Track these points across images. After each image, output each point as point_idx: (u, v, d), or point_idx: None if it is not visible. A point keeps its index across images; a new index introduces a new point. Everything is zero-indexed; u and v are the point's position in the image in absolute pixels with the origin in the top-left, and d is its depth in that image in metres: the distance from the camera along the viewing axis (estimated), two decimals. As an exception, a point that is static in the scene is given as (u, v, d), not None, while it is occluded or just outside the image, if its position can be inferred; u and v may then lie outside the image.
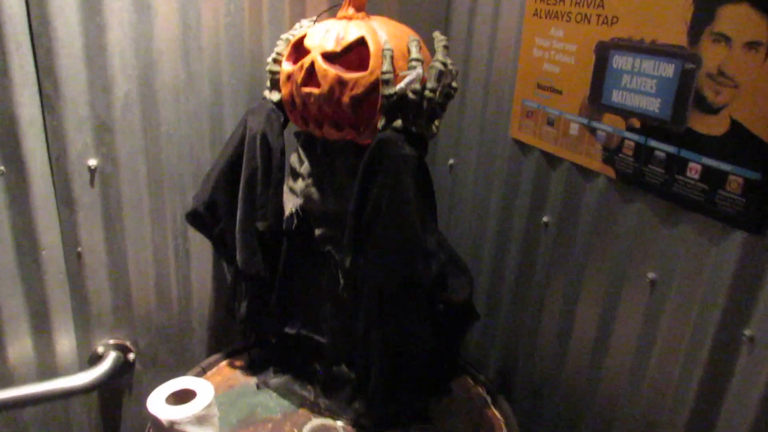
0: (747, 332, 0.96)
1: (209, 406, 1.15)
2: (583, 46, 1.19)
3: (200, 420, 1.13)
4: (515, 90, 1.40)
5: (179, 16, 1.35)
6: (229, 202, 1.33)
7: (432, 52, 1.20)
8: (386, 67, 1.13)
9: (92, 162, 1.39)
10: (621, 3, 1.10)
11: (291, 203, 1.32)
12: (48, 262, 1.42)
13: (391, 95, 1.13)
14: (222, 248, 1.40)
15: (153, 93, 1.38)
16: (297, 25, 1.33)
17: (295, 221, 1.31)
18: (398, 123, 1.14)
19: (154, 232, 1.49)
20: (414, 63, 1.15)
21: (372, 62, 1.15)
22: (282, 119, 1.31)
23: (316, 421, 1.32)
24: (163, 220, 1.49)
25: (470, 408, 1.41)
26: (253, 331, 1.47)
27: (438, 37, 1.21)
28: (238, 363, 1.51)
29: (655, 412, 1.14)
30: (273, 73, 1.31)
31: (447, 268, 1.18)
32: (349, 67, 1.17)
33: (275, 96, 1.32)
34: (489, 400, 1.43)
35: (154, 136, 1.41)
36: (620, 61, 1.12)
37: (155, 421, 1.13)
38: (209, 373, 1.48)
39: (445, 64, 1.16)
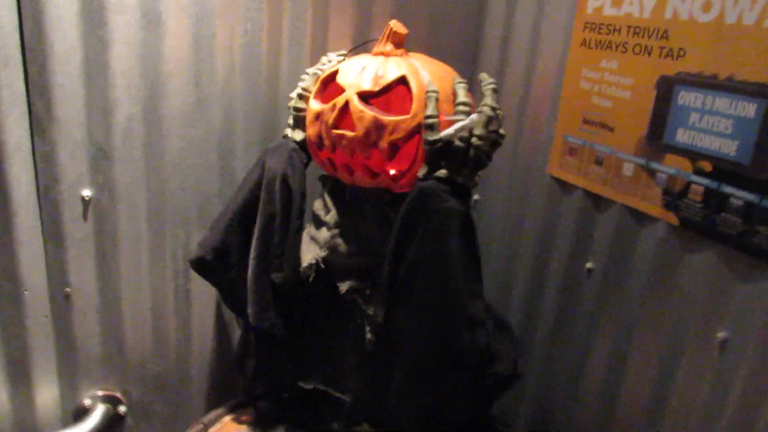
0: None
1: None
2: (642, 80, 1.09)
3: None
4: (556, 124, 1.29)
5: (191, 34, 1.23)
6: (242, 249, 1.19)
7: (475, 93, 1.10)
8: (431, 110, 1.04)
9: (86, 192, 1.24)
10: (690, 34, 1.01)
11: (311, 253, 1.19)
12: (31, 304, 1.26)
13: (435, 141, 1.03)
14: (231, 299, 1.26)
15: (158, 118, 1.25)
16: (324, 59, 1.22)
17: (313, 274, 1.18)
18: (442, 172, 1.04)
19: (152, 270, 1.34)
20: (462, 107, 1.06)
21: (415, 105, 1.05)
22: (305, 161, 1.19)
23: (339, 488, 1.18)
24: (163, 257, 1.34)
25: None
26: (264, 384, 1.32)
27: (486, 79, 1.11)
28: (244, 418, 1.36)
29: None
30: (298, 110, 1.19)
31: (494, 336, 1.06)
32: (387, 109, 1.07)
33: (298, 135, 1.20)
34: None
35: (158, 166, 1.27)
36: (687, 98, 1.02)
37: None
38: (212, 429, 1.33)
39: (494, 110, 1.06)
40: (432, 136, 1.03)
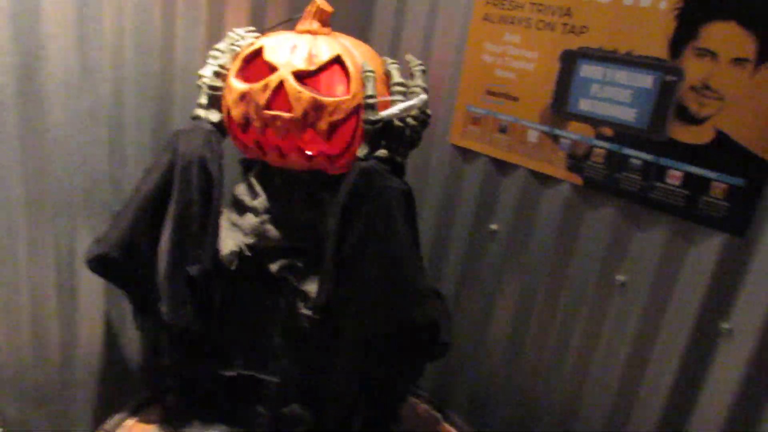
0: (725, 325, 1.04)
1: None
2: (546, 54, 1.20)
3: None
4: (458, 96, 1.36)
5: (74, -9, 1.06)
6: (153, 242, 1.09)
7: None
8: (370, 90, 1.04)
9: (-57, 177, 1.02)
10: (591, 13, 1.12)
11: (232, 240, 1.12)
12: None
13: (376, 122, 1.03)
14: (139, 298, 1.15)
15: (37, 88, 1.06)
16: (233, 35, 1.14)
17: (236, 262, 1.11)
18: (383, 152, 1.04)
19: (31, 266, 1.14)
20: (398, 88, 1.07)
21: (353, 85, 1.04)
22: (222, 144, 1.11)
23: (276, 474, 1.14)
24: (44, 250, 1.15)
25: (424, 428, 1.34)
26: (180, 377, 1.22)
27: (413, 60, 1.13)
28: (150, 418, 1.24)
29: (623, 413, 1.19)
30: (214, 88, 1.10)
31: (440, 307, 1.10)
32: (321, 89, 1.04)
33: (214, 116, 1.12)
34: (440, 416, 1.38)
35: (36, 144, 1.09)
36: (589, 70, 1.14)
37: None
38: (117, 436, 1.20)
39: (426, 90, 1.08)
40: (373, 116, 1.03)
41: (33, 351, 1.20)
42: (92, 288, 1.24)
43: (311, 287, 1.11)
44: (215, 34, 1.27)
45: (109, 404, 1.34)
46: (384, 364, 1.08)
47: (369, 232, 1.02)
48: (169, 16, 1.19)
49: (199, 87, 1.13)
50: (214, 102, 1.12)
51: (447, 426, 1.34)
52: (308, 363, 1.16)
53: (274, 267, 1.11)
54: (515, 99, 1.26)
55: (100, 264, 1.09)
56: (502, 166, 1.31)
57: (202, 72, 1.12)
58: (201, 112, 1.12)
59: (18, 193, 1.09)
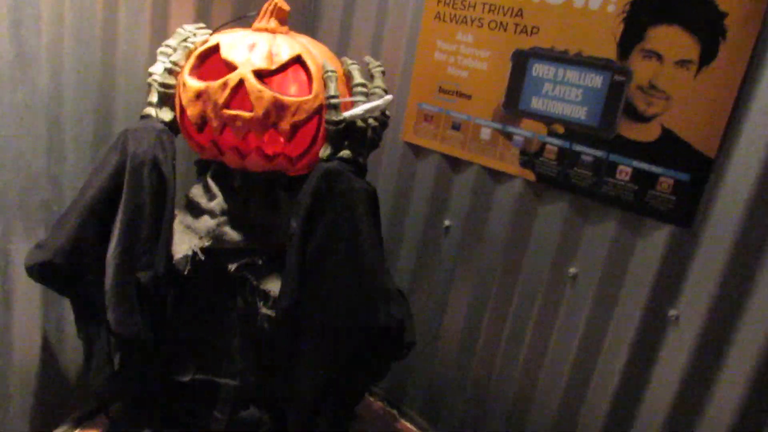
0: (672, 312, 1.10)
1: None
2: (498, 53, 1.22)
3: None
4: (410, 94, 1.36)
5: (8, -28, 0.98)
6: (100, 248, 1.03)
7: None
8: (332, 90, 1.03)
9: None
10: (542, 14, 1.16)
11: (185, 244, 1.08)
12: None
13: (339, 122, 1.02)
14: (83, 306, 1.08)
15: (-34, 77, 0.98)
16: (184, 32, 1.10)
17: (189, 266, 1.07)
18: (346, 153, 1.03)
19: (-40, 271, 1.06)
20: (360, 88, 1.07)
21: (315, 85, 1.03)
22: (174, 143, 1.07)
23: (236, 480, 1.11)
24: (-26, 254, 1.07)
25: (382, 426, 1.33)
26: (129, 386, 1.15)
27: (373, 62, 1.13)
28: (95, 430, 1.17)
29: (575, 401, 1.24)
30: (166, 86, 1.06)
31: (404, 307, 1.10)
32: (281, 89, 1.02)
33: (167, 115, 1.07)
34: (396, 413, 1.38)
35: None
36: (541, 70, 1.18)
37: None
38: (61, 451, 1.12)
39: (386, 92, 1.08)
40: (337, 117, 1.02)
41: (-38, 363, 1.11)
42: (28, 293, 1.16)
43: (271, 285, 1.09)
44: (160, 26, 1.22)
45: (47, 417, 1.25)
46: (348, 366, 1.07)
47: (333, 233, 1.00)
48: (111, 5, 1.13)
49: (149, 84, 1.08)
50: (166, 100, 1.07)
51: (404, 422, 1.34)
52: (267, 364, 1.13)
53: (231, 266, 1.08)
54: (468, 97, 1.28)
55: (42, 271, 1.02)
56: (455, 163, 1.33)
57: (152, 69, 1.07)
58: (152, 111, 1.07)
59: (-55, 190, 1.01)
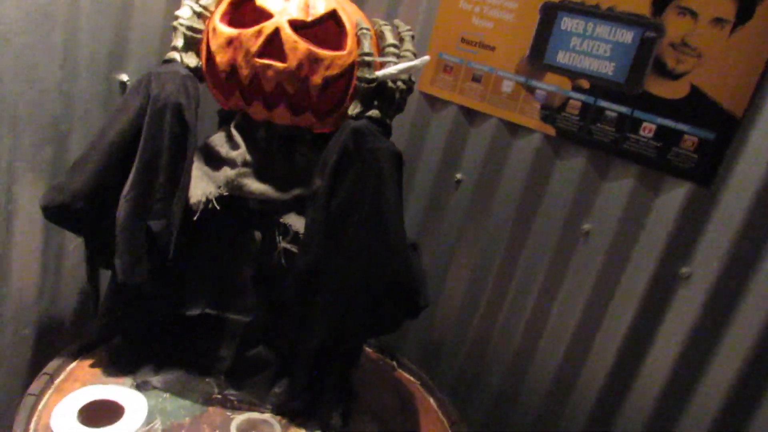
0: (684, 270, 1.12)
1: (151, 416, 0.84)
2: (526, 5, 1.21)
3: (144, 439, 0.82)
4: (429, 43, 1.34)
5: None
6: (118, 193, 0.99)
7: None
8: (366, 48, 1.01)
9: None
10: (577, -33, 1.16)
11: (201, 190, 1.05)
12: None
13: (372, 80, 1.00)
14: (97, 246, 1.05)
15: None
16: None
17: (200, 210, 1.04)
18: (375, 112, 1.01)
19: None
20: (392, 49, 1.04)
21: (350, 42, 1.01)
22: (198, 90, 1.03)
23: (241, 418, 1.08)
24: (-22, 167, 1.01)
25: (381, 375, 1.33)
26: (136, 320, 1.11)
27: (402, 25, 1.11)
28: (96, 362, 1.13)
29: (577, 361, 1.25)
30: (193, 30, 1.02)
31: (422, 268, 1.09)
32: (314, 43, 1.00)
33: (192, 60, 1.03)
34: (395, 364, 1.37)
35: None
36: (570, 24, 1.17)
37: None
38: (58, 380, 1.07)
39: (415, 56, 1.07)
40: (369, 75, 1.00)
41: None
42: (31, 217, 1.10)
43: (291, 219, 1.06)
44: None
45: (44, 347, 1.20)
46: (361, 320, 1.06)
47: (358, 192, 0.99)
48: None
49: (174, 28, 1.04)
50: (192, 45, 1.03)
51: (402, 372, 1.34)
52: (280, 303, 1.10)
53: (252, 204, 1.05)
54: (491, 48, 1.27)
55: (59, 213, 0.99)
56: (472, 116, 1.32)
57: (178, 13, 1.04)
58: (176, 55, 1.03)
59: (-45, 95, 0.94)
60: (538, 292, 1.29)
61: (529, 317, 1.31)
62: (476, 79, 1.30)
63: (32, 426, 0.96)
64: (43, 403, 1.02)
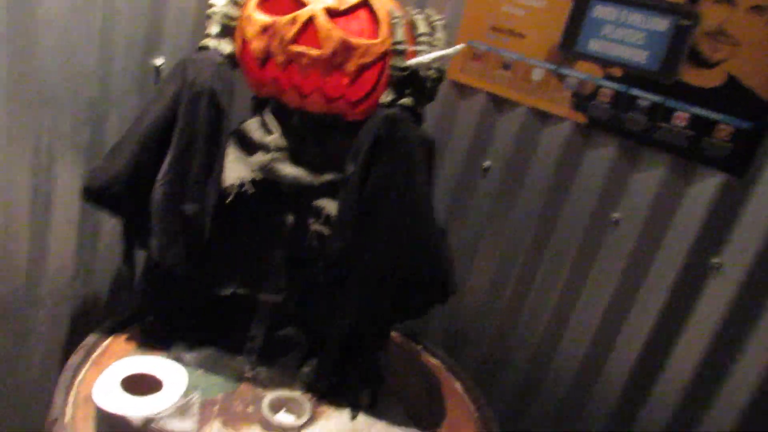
0: (715, 260, 1.11)
1: (189, 389, 0.86)
2: (560, -8, 1.21)
3: (182, 411, 0.84)
4: (459, 31, 1.34)
5: None
6: (155, 177, 1.02)
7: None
8: (399, 36, 1.02)
9: None
10: (611, -46, 1.15)
11: (235, 173, 1.07)
12: None
13: (405, 69, 1.01)
14: (134, 228, 1.08)
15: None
16: None
17: (234, 193, 1.06)
18: (407, 101, 1.02)
19: (5, 162, 1.02)
20: (425, 38, 1.05)
21: (383, 30, 1.02)
22: (232, 77, 1.05)
23: (272, 395, 1.10)
24: (21, 144, 1.03)
25: (406, 359, 1.34)
26: (170, 299, 1.14)
27: (434, 15, 1.11)
28: (130, 338, 1.16)
29: (602, 348, 1.26)
30: (229, 17, 1.04)
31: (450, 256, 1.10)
32: (347, 31, 1.01)
33: (227, 47, 1.05)
34: (420, 348, 1.38)
35: (26, 20, 0.96)
36: (603, 11, 1.17)
37: (117, 422, 0.80)
38: (95, 355, 1.11)
39: (448, 45, 1.07)
40: (402, 63, 1.01)
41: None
42: (68, 196, 1.13)
43: (324, 203, 1.07)
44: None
45: (78, 324, 1.24)
46: (390, 306, 1.08)
47: (389, 179, 1.00)
48: None
49: (208, 16, 1.06)
50: (227, 32, 1.05)
51: (427, 357, 1.35)
52: (310, 285, 1.12)
53: (284, 185, 1.07)
54: (522, 36, 1.27)
55: (97, 197, 1.02)
56: (501, 103, 1.32)
57: (213, 0, 1.05)
58: (211, 42, 1.05)
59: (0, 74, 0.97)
60: (565, 280, 1.30)
61: (556, 305, 1.32)
62: (506, 66, 1.30)
63: (71, 399, 1.00)
64: (80, 376, 1.05)
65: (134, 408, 0.80)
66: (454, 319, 1.46)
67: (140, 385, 0.85)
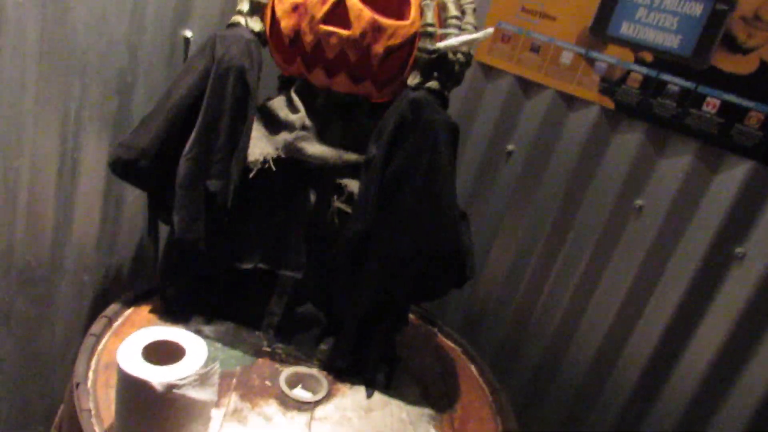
0: (739, 249, 1.10)
1: (209, 360, 0.87)
2: (593, -26, 1.19)
3: (203, 380, 0.85)
4: (489, 11, 1.33)
5: None
6: (181, 150, 1.02)
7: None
8: (429, 19, 1.01)
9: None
10: (647, -64, 1.13)
11: (259, 149, 1.07)
12: None
13: (433, 51, 1.00)
14: (160, 201, 1.09)
15: None
16: None
17: (256, 169, 1.06)
18: (434, 84, 1.01)
19: (35, 128, 1.03)
20: (454, 21, 1.04)
21: (413, 12, 1.01)
22: (261, 55, 1.05)
23: (289, 371, 1.11)
24: (50, 111, 1.04)
25: (423, 341, 1.34)
26: (193, 271, 1.15)
27: None
28: (151, 309, 1.17)
29: (621, 335, 1.25)
30: None
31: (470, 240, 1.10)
32: (379, 12, 1.00)
33: (257, 25, 1.05)
34: (436, 330, 1.38)
35: (58, -10, 0.97)
36: (636, -5, 1.15)
37: (140, 387, 0.80)
38: (116, 324, 1.12)
39: (477, 29, 1.06)
40: (431, 46, 1.00)
41: (26, 225, 1.09)
42: (95, 165, 1.14)
43: (346, 181, 1.07)
44: None
45: (100, 295, 1.25)
46: (409, 287, 1.08)
47: (413, 162, 0.99)
48: None
49: None
50: (257, 9, 1.05)
51: (444, 339, 1.35)
52: (331, 264, 1.12)
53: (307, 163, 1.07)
54: (552, 18, 1.25)
55: (125, 169, 1.03)
56: (527, 86, 1.31)
57: None
58: (241, 19, 1.05)
59: (32, 39, 0.97)
60: (585, 266, 1.29)
61: (574, 291, 1.31)
62: (534, 49, 1.28)
63: (93, 365, 1.01)
64: (102, 344, 1.06)
65: (157, 375, 0.80)
66: (472, 302, 1.46)
67: (162, 353, 0.86)
